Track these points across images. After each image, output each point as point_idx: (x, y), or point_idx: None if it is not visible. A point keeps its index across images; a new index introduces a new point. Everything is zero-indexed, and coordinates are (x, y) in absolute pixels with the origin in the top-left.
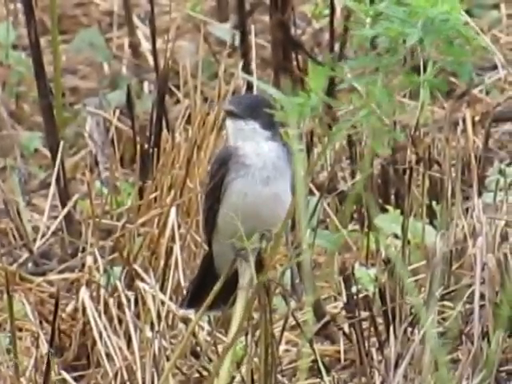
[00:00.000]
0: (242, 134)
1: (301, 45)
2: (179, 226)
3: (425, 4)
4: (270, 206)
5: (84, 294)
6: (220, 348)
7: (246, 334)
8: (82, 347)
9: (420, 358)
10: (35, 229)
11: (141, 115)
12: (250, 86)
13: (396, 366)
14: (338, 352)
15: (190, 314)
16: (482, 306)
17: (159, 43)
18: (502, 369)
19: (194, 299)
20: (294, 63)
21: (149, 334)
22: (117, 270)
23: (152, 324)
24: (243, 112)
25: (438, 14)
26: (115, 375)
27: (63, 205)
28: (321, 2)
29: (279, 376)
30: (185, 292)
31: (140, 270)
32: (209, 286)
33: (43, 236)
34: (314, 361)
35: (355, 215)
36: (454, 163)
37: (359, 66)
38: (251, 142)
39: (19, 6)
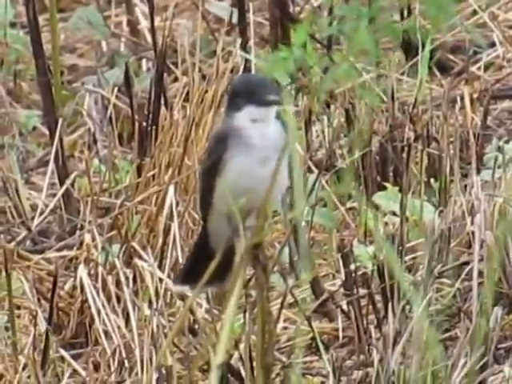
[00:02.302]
0: (268, 118)
1: (299, 22)
2: (177, 204)
3: None
4: (267, 186)
5: (82, 271)
6: (218, 326)
7: (244, 312)
8: (80, 325)
9: (418, 336)
10: (33, 207)
11: (139, 93)
12: (248, 64)
13: (394, 343)
14: (337, 330)
15: (185, 290)
16: (480, 284)
17: (157, 21)
18: (500, 346)
19: (188, 276)
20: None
21: (147, 311)
22: (115, 247)
23: (150, 301)
24: (281, 99)
25: None
26: (113, 353)
27: (61, 183)
28: None
29: (277, 353)
30: (180, 268)
31: (138, 248)
32: (204, 263)
33: (41, 214)
34: (312, 338)
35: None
36: (452, 140)
37: (343, 14)
38: (262, 124)
39: None
